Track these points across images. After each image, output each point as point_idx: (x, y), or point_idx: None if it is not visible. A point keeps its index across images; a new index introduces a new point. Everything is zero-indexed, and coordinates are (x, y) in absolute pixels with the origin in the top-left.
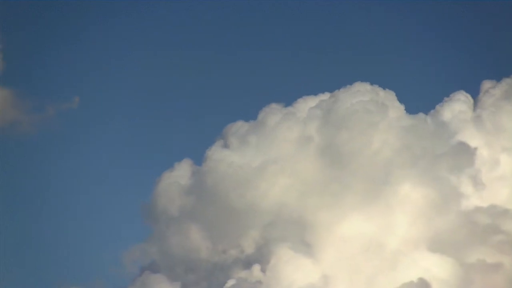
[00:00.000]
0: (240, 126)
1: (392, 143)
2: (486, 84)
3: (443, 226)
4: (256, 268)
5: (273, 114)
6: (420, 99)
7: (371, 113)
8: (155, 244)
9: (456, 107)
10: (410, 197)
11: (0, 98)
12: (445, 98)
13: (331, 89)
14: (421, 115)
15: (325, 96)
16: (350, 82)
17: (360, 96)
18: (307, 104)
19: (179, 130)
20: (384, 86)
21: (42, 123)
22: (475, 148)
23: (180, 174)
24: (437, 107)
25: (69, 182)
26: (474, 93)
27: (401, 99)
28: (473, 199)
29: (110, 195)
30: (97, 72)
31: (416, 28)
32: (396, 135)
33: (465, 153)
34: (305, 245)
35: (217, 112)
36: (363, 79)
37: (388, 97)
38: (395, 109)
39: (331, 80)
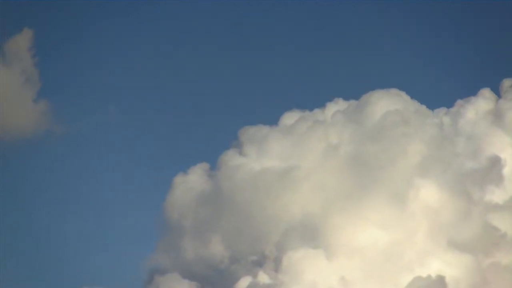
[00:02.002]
0: (258, 130)
1: (419, 153)
2: (507, 82)
3: (464, 233)
4: (275, 270)
5: (295, 118)
6: (441, 97)
7: (399, 122)
8: (169, 250)
9: (481, 106)
10: (434, 206)
11: (38, 110)
12: (471, 96)
13: (349, 95)
14: (442, 109)
15: (347, 102)
16: (370, 87)
17: (385, 104)
18: (330, 110)
19: (196, 133)
20: (403, 87)
21: (74, 132)
22: (505, 160)
23: (195, 179)
24: (460, 103)
25: (82, 185)
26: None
27: (420, 99)
28: (497, 207)
29: (125, 199)
30: (119, 79)
31: (429, 28)
32: (423, 145)
33: (495, 166)
34: (325, 249)
35: (237, 114)
36: (382, 83)
37: (412, 103)
38: (423, 117)
39: (350, 86)
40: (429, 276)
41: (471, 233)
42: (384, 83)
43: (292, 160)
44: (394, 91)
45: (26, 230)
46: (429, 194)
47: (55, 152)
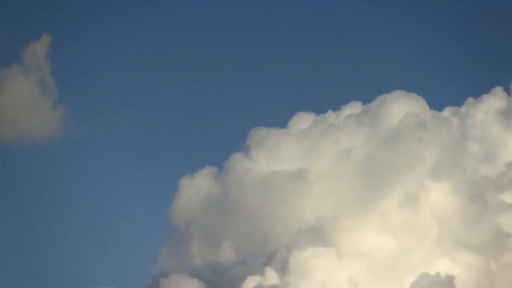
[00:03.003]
0: (268, 132)
1: (432, 157)
2: None
3: (476, 237)
4: (284, 271)
5: (306, 121)
6: (452, 96)
7: (413, 126)
8: (176, 253)
9: (493, 105)
10: (446, 210)
11: (56, 117)
12: (483, 95)
13: (363, 98)
14: (453, 108)
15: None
16: (382, 88)
17: (399, 106)
18: (341, 114)
19: (204, 136)
20: (416, 87)
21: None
22: None
23: (203, 182)
24: (471, 102)
25: (92, 187)
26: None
27: (431, 98)
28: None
29: (133, 201)
30: (130, 82)
31: (441, 27)
32: (436, 149)
33: (509, 171)
34: (334, 251)
35: (246, 116)
36: (394, 85)
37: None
38: (436, 119)
39: (365, 89)
40: (437, 274)
41: (483, 238)
42: (398, 84)
43: (302, 163)
44: (407, 93)
45: (35, 231)
46: (441, 199)
47: (70, 158)
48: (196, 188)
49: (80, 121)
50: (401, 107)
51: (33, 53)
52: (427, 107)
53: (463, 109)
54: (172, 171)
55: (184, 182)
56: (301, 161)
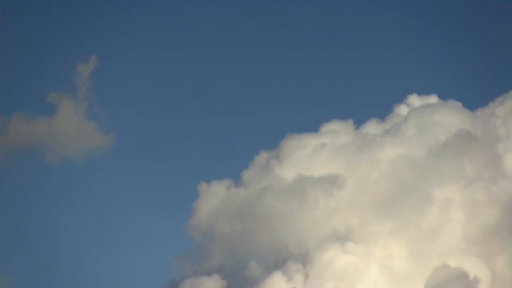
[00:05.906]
0: (299, 139)
1: (471, 171)
2: None
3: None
4: (307, 275)
5: (336, 130)
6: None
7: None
8: (196, 258)
9: None
10: (479, 221)
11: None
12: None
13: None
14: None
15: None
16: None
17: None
18: (373, 125)
19: (228, 143)
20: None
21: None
22: None
23: (226, 186)
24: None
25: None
26: None
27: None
28: None
29: (155, 212)
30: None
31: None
32: (476, 164)
33: None
34: (360, 256)
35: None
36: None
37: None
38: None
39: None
40: (466, 274)
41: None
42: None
43: (334, 170)
44: (450, 102)
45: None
46: (476, 210)
47: (104, 173)
48: (219, 194)
49: (123, 142)
50: (445, 119)
51: (81, 76)
52: (470, 117)
53: (491, 108)
54: (198, 177)
55: (204, 187)
56: (333, 168)
